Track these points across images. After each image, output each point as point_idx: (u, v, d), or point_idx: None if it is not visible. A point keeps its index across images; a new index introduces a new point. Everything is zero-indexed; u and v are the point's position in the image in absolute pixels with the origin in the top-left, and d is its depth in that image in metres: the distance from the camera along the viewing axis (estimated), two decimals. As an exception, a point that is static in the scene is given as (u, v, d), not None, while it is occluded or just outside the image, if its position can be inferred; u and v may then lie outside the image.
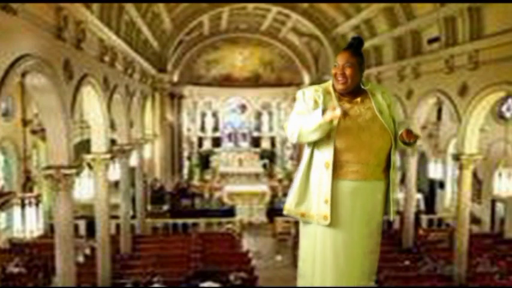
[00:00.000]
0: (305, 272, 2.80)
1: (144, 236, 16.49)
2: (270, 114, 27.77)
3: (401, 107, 15.43)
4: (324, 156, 2.58)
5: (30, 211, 7.21)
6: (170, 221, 18.40)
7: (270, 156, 27.22)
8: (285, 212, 2.79)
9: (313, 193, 2.65)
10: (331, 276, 2.65)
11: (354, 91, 2.68)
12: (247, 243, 17.00)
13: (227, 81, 26.77)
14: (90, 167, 11.20)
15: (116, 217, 15.15)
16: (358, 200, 2.63)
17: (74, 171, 8.64)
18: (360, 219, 2.65)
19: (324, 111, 2.50)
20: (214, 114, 27.55)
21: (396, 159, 2.79)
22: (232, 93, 27.31)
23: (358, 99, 2.68)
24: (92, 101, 10.69)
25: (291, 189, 2.78)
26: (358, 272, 2.69)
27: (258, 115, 27.87)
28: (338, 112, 2.40)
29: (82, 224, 16.37)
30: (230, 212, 20.11)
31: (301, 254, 2.84)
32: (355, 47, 2.66)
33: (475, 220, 16.25)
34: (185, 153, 26.24)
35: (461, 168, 11.78)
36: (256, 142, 27.80)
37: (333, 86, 2.72)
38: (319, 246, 2.67)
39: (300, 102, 2.70)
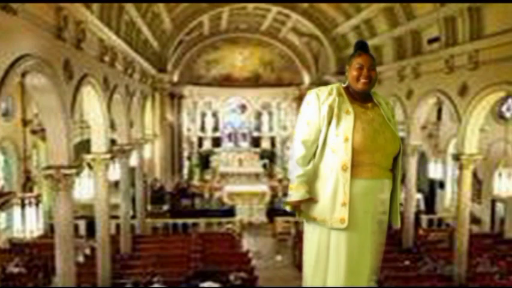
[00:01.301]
0: (314, 273, 2.75)
1: (144, 236, 16.49)
2: (270, 114, 27.76)
3: (401, 107, 15.44)
4: (340, 158, 2.58)
5: (30, 211, 7.21)
6: (170, 221, 18.41)
7: (270, 156, 27.22)
8: (301, 217, 2.78)
9: (326, 196, 2.62)
10: (344, 276, 2.64)
11: (364, 96, 2.75)
12: (247, 243, 17.01)
13: (227, 81, 26.77)
14: (90, 167, 11.20)
15: (116, 217, 15.14)
16: (371, 198, 2.64)
17: (74, 171, 8.65)
18: (372, 217, 2.66)
19: (337, 116, 2.63)
20: (214, 114, 27.54)
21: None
22: (232, 93, 27.30)
23: (369, 105, 2.74)
24: (92, 101, 10.68)
25: None
26: (368, 271, 2.70)
27: (258, 115, 27.88)
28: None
29: (82, 224, 16.38)
30: (230, 212, 20.11)
31: (308, 256, 2.79)
32: (367, 50, 2.75)
33: (475, 220, 16.25)
34: (185, 153, 26.24)
35: (461, 168, 11.78)
36: (256, 142, 27.80)
37: (346, 88, 2.76)
38: (332, 247, 2.65)
39: (313, 107, 2.69)
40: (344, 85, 2.79)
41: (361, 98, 2.73)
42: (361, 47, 2.75)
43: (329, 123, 2.64)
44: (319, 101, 2.68)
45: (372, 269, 2.70)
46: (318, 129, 2.66)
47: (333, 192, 2.59)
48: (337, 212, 2.59)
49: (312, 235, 2.76)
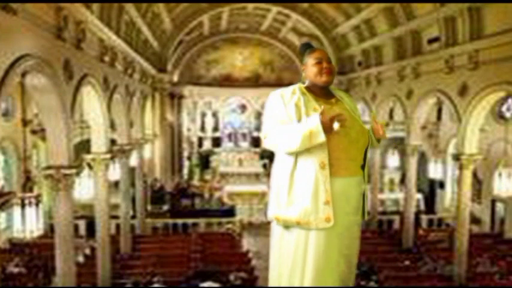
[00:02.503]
0: (291, 279, 2.69)
1: (144, 236, 16.49)
2: (270, 114, 27.74)
3: (401, 107, 15.44)
4: (317, 156, 2.52)
5: (30, 211, 7.21)
6: (170, 221, 18.40)
7: (270, 156, 27.15)
8: (275, 222, 2.70)
9: (307, 197, 2.54)
10: (324, 277, 2.59)
11: (327, 92, 2.75)
12: (247, 243, 16.98)
13: (227, 81, 26.78)
14: (90, 167, 11.20)
15: (116, 217, 15.14)
16: (350, 197, 2.61)
17: (74, 171, 8.64)
18: (352, 216, 2.63)
19: (306, 115, 2.55)
20: (214, 114, 27.58)
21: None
22: (232, 93, 27.32)
23: (333, 100, 2.73)
24: (92, 101, 10.69)
25: (275, 195, 2.66)
26: (350, 269, 2.67)
27: (258, 115, 27.84)
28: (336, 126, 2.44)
29: (82, 224, 16.37)
30: (230, 212, 20.09)
31: (284, 262, 2.71)
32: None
33: (475, 220, 16.26)
34: (185, 153, 26.25)
35: (461, 168, 11.78)
36: (256, 142, 27.78)
37: (307, 88, 2.73)
38: (312, 249, 2.57)
39: (279, 107, 2.64)
40: (304, 85, 2.77)
41: (324, 94, 2.72)
42: (311, 46, 2.81)
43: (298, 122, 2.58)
44: (284, 100, 2.64)
45: (354, 267, 2.70)
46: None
47: (314, 192, 2.53)
48: (321, 212, 2.52)
49: (288, 240, 2.67)
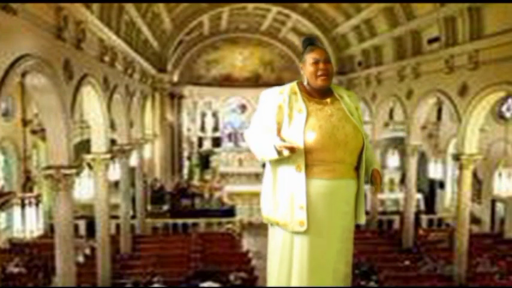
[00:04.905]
0: (278, 277, 2.67)
1: (144, 236, 16.50)
2: (270, 114, 27.74)
3: (401, 107, 15.44)
4: (294, 158, 2.48)
5: (30, 211, 7.21)
6: (170, 221, 18.40)
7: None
8: (264, 221, 2.71)
9: (285, 199, 2.54)
10: (308, 279, 2.57)
11: (324, 92, 2.66)
12: (247, 243, 16.99)
13: (227, 81, 26.78)
14: (90, 167, 11.20)
15: (116, 217, 15.15)
16: (335, 199, 2.55)
17: (74, 171, 8.64)
18: (337, 220, 2.57)
19: (289, 116, 2.53)
20: (214, 114, 27.59)
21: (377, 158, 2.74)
22: (232, 93, 27.33)
23: (328, 100, 2.64)
24: (92, 101, 10.69)
25: (263, 195, 2.67)
26: (333, 276, 2.62)
27: (258, 115, 27.87)
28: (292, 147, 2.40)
29: (82, 224, 16.37)
30: (230, 212, 20.09)
31: (273, 259, 2.70)
32: (317, 44, 2.71)
33: (475, 220, 16.26)
34: (185, 153, 26.25)
35: (461, 168, 11.78)
36: (256, 142, 27.79)
37: (304, 86, 2.68)
38: (296, 250, 2.56)
39: (263, 107, 2.63)
40: (304, 83, 2.68)
41: (320, 94, 2.65)
42: (312, 43, 2.70)
43: (281, 123, 2.56)
44: (268, 100, 2.62)
45: (339, 273, 2.63)
46: (270, 129, 2.57)
47: (291, 195, 2.51)
48: (296, 215, 2.50)
49: (275, 238, 2.67)
